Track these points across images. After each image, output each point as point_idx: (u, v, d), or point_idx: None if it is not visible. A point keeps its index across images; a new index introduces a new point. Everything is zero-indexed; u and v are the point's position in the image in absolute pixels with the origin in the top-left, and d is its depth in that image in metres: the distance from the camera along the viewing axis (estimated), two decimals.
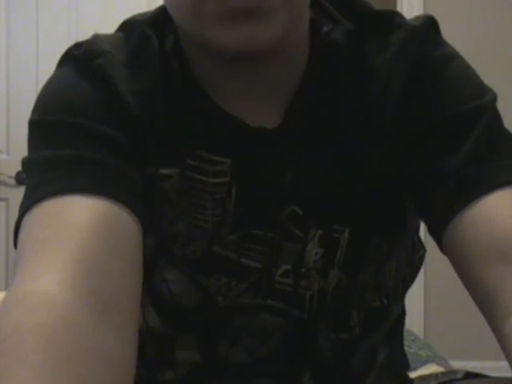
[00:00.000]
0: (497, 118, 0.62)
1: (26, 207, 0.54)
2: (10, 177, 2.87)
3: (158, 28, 0.65)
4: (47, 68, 3.23)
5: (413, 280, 0.77)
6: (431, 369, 1.52)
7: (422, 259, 0.78)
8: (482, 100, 0.61)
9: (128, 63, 0.62)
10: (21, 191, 0.64)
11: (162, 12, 0.66)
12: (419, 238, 0.78)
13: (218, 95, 0.64)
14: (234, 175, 0.64)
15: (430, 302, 3.06)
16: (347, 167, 0.64)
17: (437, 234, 0.59)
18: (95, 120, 0.59)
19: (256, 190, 0.64)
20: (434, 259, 2.73)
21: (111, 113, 0.60)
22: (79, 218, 0.51)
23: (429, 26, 0.65)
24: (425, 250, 0.80)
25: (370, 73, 0.64)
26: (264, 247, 0.65)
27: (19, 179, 2.83)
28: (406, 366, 0.85)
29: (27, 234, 0.52)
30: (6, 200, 2.93)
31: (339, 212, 0.65)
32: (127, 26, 0.66)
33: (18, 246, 0.52)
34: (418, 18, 0.67)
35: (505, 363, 0.50)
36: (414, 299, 2.94)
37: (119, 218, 0.53)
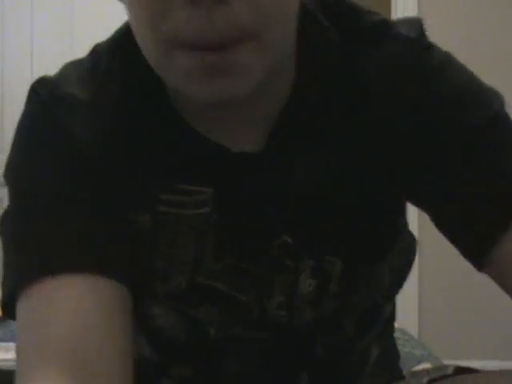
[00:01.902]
0: (510, 123, 0.59)
1: (9, 291, 0.56)
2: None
3: (132, 56, 0.59)
4: (41, 69, 3.21)
5: (404, 281, 0.76)
6: (423, 367, 1.53)
7: (414, 253, 0.76)
8: (492, 108, 0.59)
9: (90, 104, 0.60)
10: None
11: (126, 38, 0.61)
12: (409, 232, 0.76)
13: (198, 122, 0.61)
14: (216, 205, 0.61)
15: (425, 302, 3.07)
16: (339, 192, 0.62)
17: (477, 257, 0.58)
18: (58, 182, 0.58)
19: (239, 219, 0.62)
20: (428, 258, 2.74)
21: (74, 169, 0.59)
22: (60, 308, 0.53)
23: (420, 32, 0.63)
24: (415, 240, 0.78)
25: (365, 89, 0.61)
26: (254, 280, 0.63)
27: None
28: (397, 357, 0.85)
29: (18, 333, 0.54)
30: (0, 200, 2.92)
31: (330, 241, 0.63)
32: (96, 55, 0.64)
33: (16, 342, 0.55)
34: (407, 23, 0.64)
35: (499, 363, 0.50)
36: (409, 299, 2.95)
37: (100, 294, 0.54)
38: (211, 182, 0.61)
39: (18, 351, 0.53)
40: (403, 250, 0.73)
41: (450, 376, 0.61)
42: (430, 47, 0.63)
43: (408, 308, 2.94)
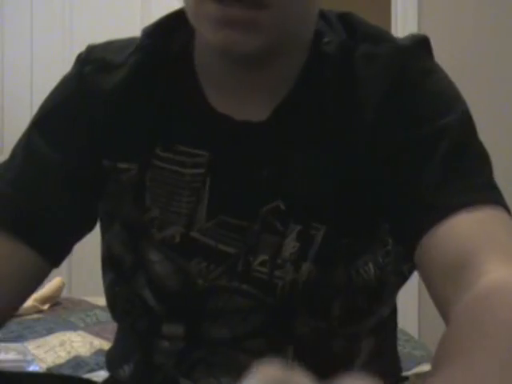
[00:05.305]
0: (464, 134, 0.65)
1: None
2: None
3: (163, 34, 0.73)
4: (41, 69, 3.21)
5: (399, 287, 0.80)
6: (426, 369, 1.53)
7: (411, 270, 0.80)
8: (448, 118, 0.64)
9: (118, 66, 0.72)
10: None
11: (171, 20, 0.74)
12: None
13: (212, 91, 0.70)
14: (210, 167, 0.69)
15: (425, 301, 3.07)
16: (330, 168, 0.68)
17: (407, 251, 0.64)
18: (55, 126, 0.71)
19: (231, 182, 0.69)
20: None
21: (79, 116, 0.71)
22: None
23: (418, 44, 0.70)
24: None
25: (356, 83, 0.68)
26: (242, 236, 0.69)
27: None
28: (398, 369, 0.86)
29: None
30: None
31: (319, 210, 0.69)
32: (140, 34, 0.75)
33: None
34: (411, 35, 0.71)
35: None
36: (408, 298, 2.95)
37: (13, 254, 0.67)
38: (209, 147, 0.70)
39: None
40: (391, 253, 0.76)
41: None
42: (421, 56, 0.69)
43: (408, 308, 2.94)
